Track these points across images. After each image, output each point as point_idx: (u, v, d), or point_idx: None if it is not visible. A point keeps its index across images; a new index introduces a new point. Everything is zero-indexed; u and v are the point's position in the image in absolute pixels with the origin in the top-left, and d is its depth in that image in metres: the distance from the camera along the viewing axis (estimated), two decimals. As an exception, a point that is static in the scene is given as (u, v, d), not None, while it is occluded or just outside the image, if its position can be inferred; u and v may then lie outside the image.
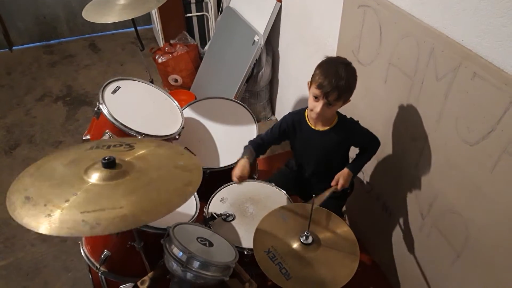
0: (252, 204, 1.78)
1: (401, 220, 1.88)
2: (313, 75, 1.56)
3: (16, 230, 2.37)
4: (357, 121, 1.72)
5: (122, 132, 1.79)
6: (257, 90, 3.06)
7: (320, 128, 1.69)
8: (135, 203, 1.08)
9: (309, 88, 1.59)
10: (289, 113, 1.81)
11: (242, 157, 1.68)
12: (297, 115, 1.75)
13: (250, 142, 1.78)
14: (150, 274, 1.42)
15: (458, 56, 1.34)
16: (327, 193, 1.65)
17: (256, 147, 1.74)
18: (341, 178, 1.67)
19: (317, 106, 1.55)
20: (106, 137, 1.80)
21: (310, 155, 1.80)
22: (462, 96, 1.35)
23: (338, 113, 1.69)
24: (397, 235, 1.95)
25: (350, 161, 1.79)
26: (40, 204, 1.06)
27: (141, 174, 1.20)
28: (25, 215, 1.03)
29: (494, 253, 1.38)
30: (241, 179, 1.62)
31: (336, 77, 1.49)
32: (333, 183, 1.68)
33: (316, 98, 1.55)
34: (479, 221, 1.41)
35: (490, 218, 1.36)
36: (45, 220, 1.01)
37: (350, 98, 1.59)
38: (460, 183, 1.46)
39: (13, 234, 2.36)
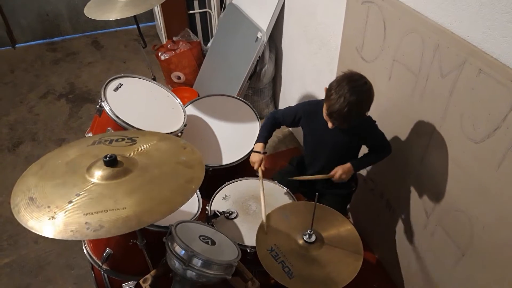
0: (255, 202, 1.78)
1: (405, 218, 1.87)
2: (328, 94, 1.48)
3: (19, 228, 2.35)
4: (374, 121, 1.69)
5: (124, 129, 1.78)
6: (260, 87, 3.05)
7: None
8: (137, 203, 1.08)
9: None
10: (308, 101, 1.81)
11: (257, 141, 1.79)
12: (315, 106, 1.72)
13: (268, 121, 1.84)
14: (152, 272, 1.41)
15: (463, 52, 1.32)
16: (314, 176, 1.73)
17: (272, 130, 1.85)
18: (340, 169, 1.68)
19: (329, 122, 1.55)
20: (108, 134, 1.79)
21: (320, 149, 1.79)
22: (467, 93, 1.34)
23: None
24: (401, 233, 1.94)
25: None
26: (44, 205, 1.06)
27: (143, 172, 1.20)
28: (30, 218, 1.03)
29: (499, 252, 1.36)
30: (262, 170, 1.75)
31: (349, 109, 1.42)
32: (332, 172, 1.69)
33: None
34: (484, 219, 1.39)
35: (496, 217, 1.34)
36: (50, 223, 1.01)
37: None
38: (465, 181, 1.44)
39: (16, 231, 2.37)
